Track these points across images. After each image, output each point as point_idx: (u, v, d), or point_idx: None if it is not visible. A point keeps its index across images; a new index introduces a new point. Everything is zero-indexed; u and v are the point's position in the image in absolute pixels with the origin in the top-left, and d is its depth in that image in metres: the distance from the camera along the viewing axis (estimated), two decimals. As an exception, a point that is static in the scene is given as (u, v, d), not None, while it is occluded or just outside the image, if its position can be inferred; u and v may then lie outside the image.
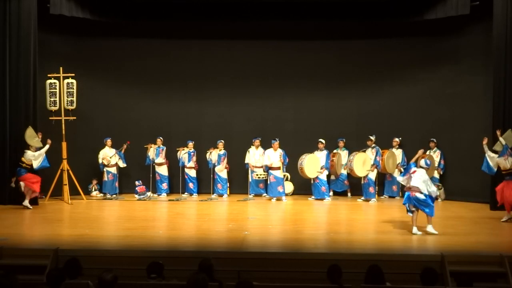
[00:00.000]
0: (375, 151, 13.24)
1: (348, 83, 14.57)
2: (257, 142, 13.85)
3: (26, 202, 11.46)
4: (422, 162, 9.01)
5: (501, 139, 10.55)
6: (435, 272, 5.50)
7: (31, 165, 11.66)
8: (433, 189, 8.84)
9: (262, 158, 13.71)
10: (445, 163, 13.44)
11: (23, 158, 11.63)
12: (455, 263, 6.83)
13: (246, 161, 13.92)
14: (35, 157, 11.71)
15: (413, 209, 8.83)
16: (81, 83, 13.35)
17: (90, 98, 13.96)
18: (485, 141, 10.67)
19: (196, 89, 14.78)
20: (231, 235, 8.78)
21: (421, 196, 8.71)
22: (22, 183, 11.55)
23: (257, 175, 13.82)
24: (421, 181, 8.74)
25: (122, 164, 13.86)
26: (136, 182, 13.69)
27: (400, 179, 9.53)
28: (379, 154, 13.23)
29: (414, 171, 8.88)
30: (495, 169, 10.47)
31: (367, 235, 9.08)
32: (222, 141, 14.02)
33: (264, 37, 14.59)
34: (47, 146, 11.99)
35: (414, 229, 8.76)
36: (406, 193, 8.99)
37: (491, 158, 10.44)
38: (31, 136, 11.86)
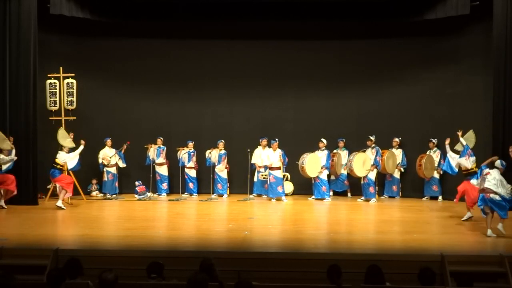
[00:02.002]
0: (375, 151, 13.24)
1: (348, 83, 14.57)
2: (264, 142, 13.76)
3: (60, 203, 11.41)
4: (498, 163, 8.88)
5: (462, 139, 10.71)
6: (433, 272, 5.50)
7: (63, 166, 11.67)
8: (506, 190, 8.62)
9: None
10: (445, 163, 13.40)
11: (56, 160, 11.66)
12: (455, 263, 6.82)
13: (252, 161, 13.91)
14: (70, 158, 11.76)
15: (488, 211, 8.68)
16: (81, 83, 13.36)
17: (90, 98, 13.97)
18: (447, 141, 10.95)
19: (196, 89, 14.78)
20: (231, 235, 8.78)
21: (496, 197, 8.54)
22: (57, 185, 11.66)
23: (262, 175, 13.84)
24: (494, 182, 8.58)
25: (122, 164, 13.86)
26: (136, 182, 13.69)
27: (474, 182, 9.37)
28: (379, 154, 13.24)
29: (488, 173, 8.73)
30: (457, 170, 10.63)
31: (367, 235, 9.08)
32: (223, 141, 14.02)
33: (264, 37, 14.59)
34: (81, 147, 12.04)
35: (489, 232, 8.53)
36: (481, 195, 8.81)
37: (453, 159, 10.63)
38: (64, 136, 11.88)
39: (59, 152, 11.78)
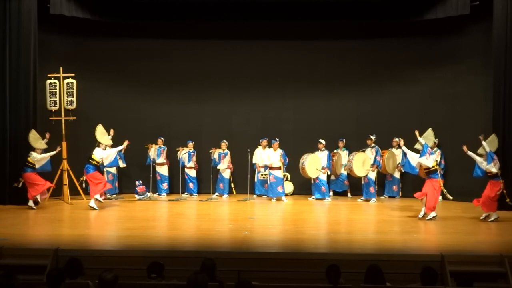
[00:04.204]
0: (374, 150, 13.24)
1: (348, 83, 14.58)
2: (264, 142, 13.79)
3: (92, 203, 11.49)
4: None
5: (420, 139, 10.64)
6: (435, 272, 5.50)
7: (99, 163, 11.80)
8: None
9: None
10: (445, 163, 13.43)
11: (92, 155, 11.68)
12: (455, 263, 6.82)
13: (254, 161, 13.93)
14: (107, 155, 11.86)
15: None
16: (81, 83, 13.35)
17: (90, 98, 13.97)
18: (401, 142, 11.17)
19: (196, 89, 14.79)
20: (231, 235, 8.78)
21: None
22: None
23: (262, 175, 13.83)
24: None
25: (122, 164, 13.84)
26: (136, 182, 13.69)
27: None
28: (379, 154, 13.24)
29: None
30: (418, 169, 10.66)
31: (367, 235, 9.08)
32: (225, 141, 14.02)
33: (264, 37, 14.59)
34: (121, 146, 12.23)
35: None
36: None
37: (412, 158, 10.66)
38: (102, 133, 11.94)
39: (96, 148, 11.80)
